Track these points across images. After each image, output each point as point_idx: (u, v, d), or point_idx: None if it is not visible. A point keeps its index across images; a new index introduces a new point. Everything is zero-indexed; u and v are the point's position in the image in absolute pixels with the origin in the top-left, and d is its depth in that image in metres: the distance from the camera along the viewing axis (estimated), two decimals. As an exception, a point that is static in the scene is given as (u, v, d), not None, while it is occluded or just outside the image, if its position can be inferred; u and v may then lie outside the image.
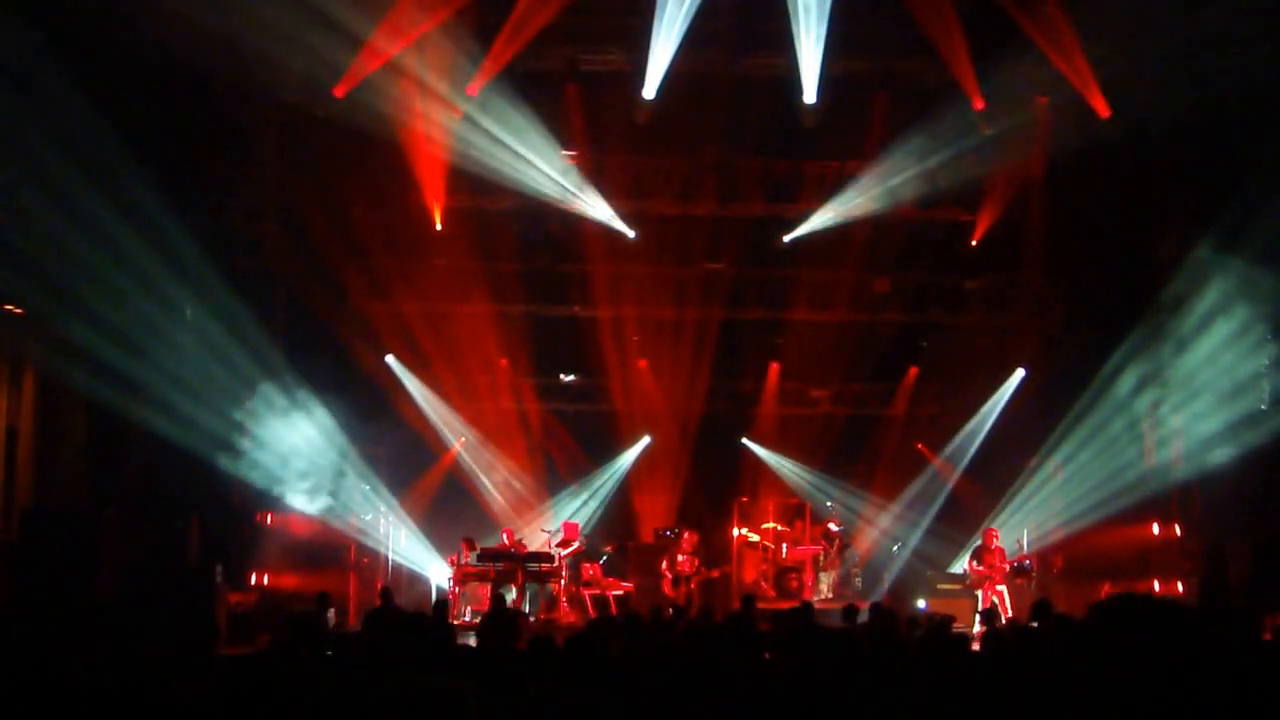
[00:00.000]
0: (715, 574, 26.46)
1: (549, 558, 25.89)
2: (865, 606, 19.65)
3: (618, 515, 29.53)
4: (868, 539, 29.08)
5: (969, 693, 10.65)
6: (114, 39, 19.93)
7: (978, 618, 22.90)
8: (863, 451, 30.18)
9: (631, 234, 27.40)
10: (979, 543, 25.06)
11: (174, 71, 21.09)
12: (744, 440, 30.34)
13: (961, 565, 26.66)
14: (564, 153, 26.50)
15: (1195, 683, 9.33)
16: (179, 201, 22.21)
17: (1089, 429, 26.42)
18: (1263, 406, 23.21)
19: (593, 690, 9.23)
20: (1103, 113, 24.45)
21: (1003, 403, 28.04)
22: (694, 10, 23.85)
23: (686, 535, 26.46)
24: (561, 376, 29.98)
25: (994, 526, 25.59)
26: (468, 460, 28.33)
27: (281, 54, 22.29)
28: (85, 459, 22.45)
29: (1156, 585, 24.87)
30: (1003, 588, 24.36)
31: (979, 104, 24.92)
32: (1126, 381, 25.82)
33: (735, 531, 28.43)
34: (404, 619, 15.62)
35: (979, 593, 24.55)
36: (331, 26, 22.41)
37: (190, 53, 20.96)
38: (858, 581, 27.84)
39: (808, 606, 17.60)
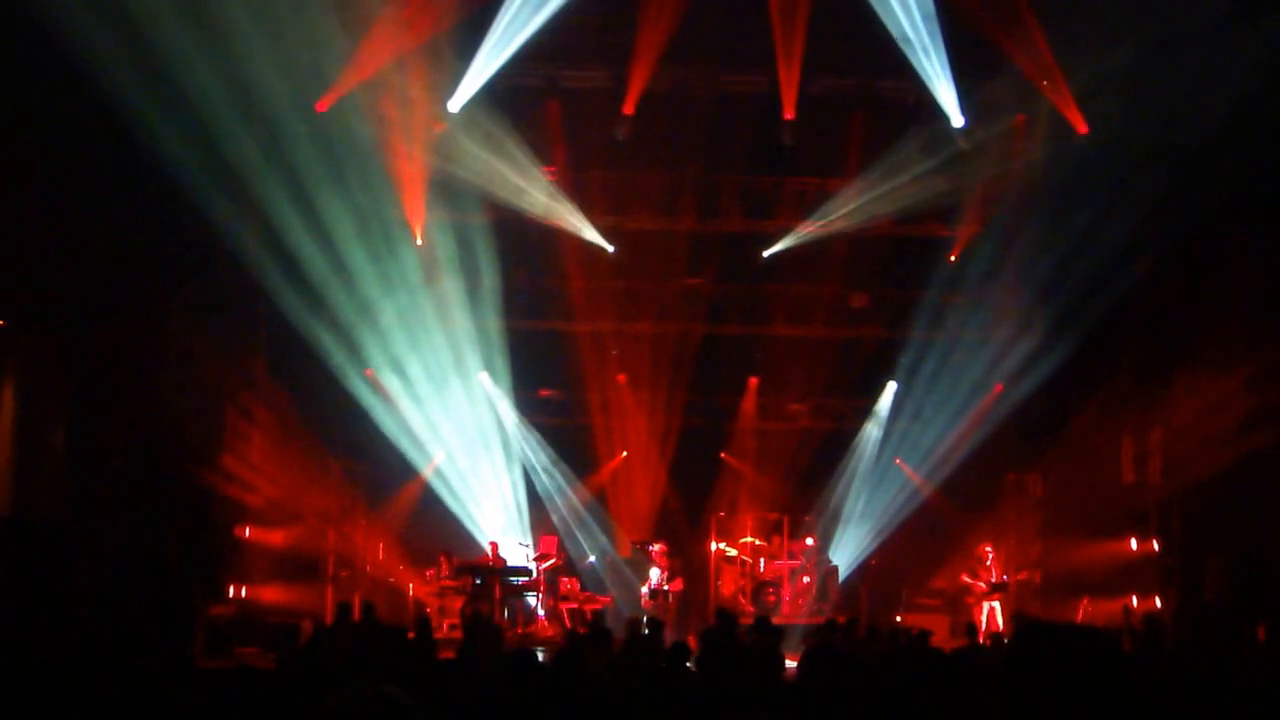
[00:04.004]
0: (672, 587, 26.30)
1: (527, 572, 25.98)
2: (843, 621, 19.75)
3: (596, 529, 29.54)
4: (845, 554, 29.10)
5: (947, 707, 10.71)
6: (92, 47, 19.92)
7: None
8: (840, 466, 30.14)
9: (611, 249, 27.46)
10: (973, 557, 25.08)
11: (157, 86, 21.08)
12: (722, 455, 30.40)
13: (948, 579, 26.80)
14: (544, 168, 26.56)
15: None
16: (161, 213, 22.25)
17: (1067, 444, 26.52)
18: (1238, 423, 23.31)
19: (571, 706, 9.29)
20: (1080, 129, 24.58)
21: (981, 418, 28.07)
22: (674, 28, 23.93)
23: (658, 547, 26.44)
24: (540, 391, 29.95)
25: (987, 543, 25.54)
26: (446, 474, 28.30)
27: (264, 68, 22.29)
28: (65, 471, 22.40)
29: (1134, 600, 24.94)
30: (996, 603, 24.42)
31: (958, 120, 25.01)
32: (1104, 396, 25.93)
33: (713, 546, 28.46)
34: (386, 632, 15.69)
35: (985, 606, 24.59)
36: (314, 41, 22.44)
37: (172, 66, 20.97)
38: (834, 596, 27.90)
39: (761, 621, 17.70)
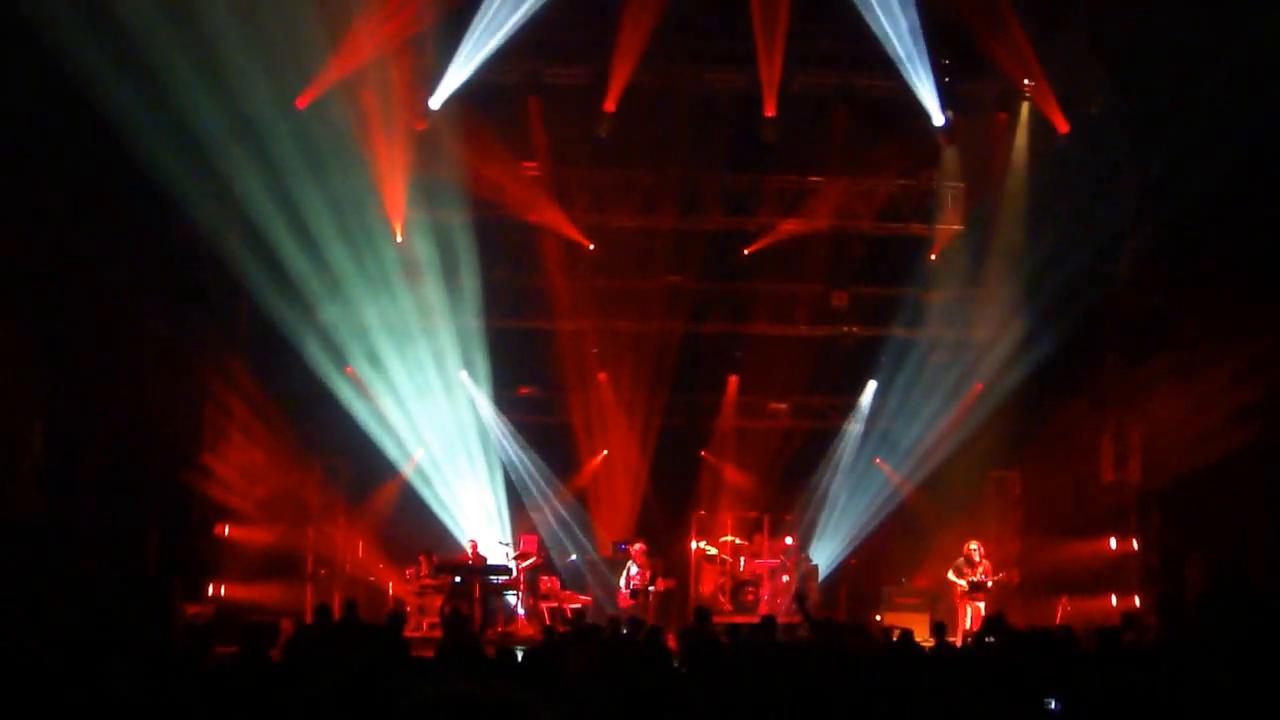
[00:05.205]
0: (660, 586, 26.16)
1: (507, 570, 25.93)
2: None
3: (576, 528, 29.47)
4: (825, 553, 29.07)
5: (927, 705, 10.70)
6: (73, 42, 19.87)
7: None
8: (821, 465, 30.10)
9: (592, 247, 27.41)
10: (960, 557, 24.98)
11: (138, 82, 21.00)
12: (702, 453, 30.35)
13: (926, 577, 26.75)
14: (525, 165, 26.53)
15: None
16: (141, 210, 22.18)
17: (1047, 443, 26.51)
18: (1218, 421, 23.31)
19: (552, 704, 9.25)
20: (1061, 128, 24.67)
21: (961, 417, 28.04)
22: (656, 25, 23.93)
23: (637, 546, 26.34)
24: (521, 389, 29.85)
25: (976, 541, 25.38)
26: (427, 472, 28.22)
27: (244, 63, 22.24)
28: (44, 468, 22.32)
29: (1114, 600, 24.94)
30: (981, 603, 24.36)
31: (938, 118, 25.03)
32: (1084, 395, 25.95)
33: (693, 545, 28.42)
34: (364, 630, 15.64)
35: (969, 606, 24.50)
36: (295, 37, 22.39)
37: (153, 63, 20.93)
38: (813, 595, 27.81)
39: (769, 621, 17.67)
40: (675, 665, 13.02)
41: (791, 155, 26.95)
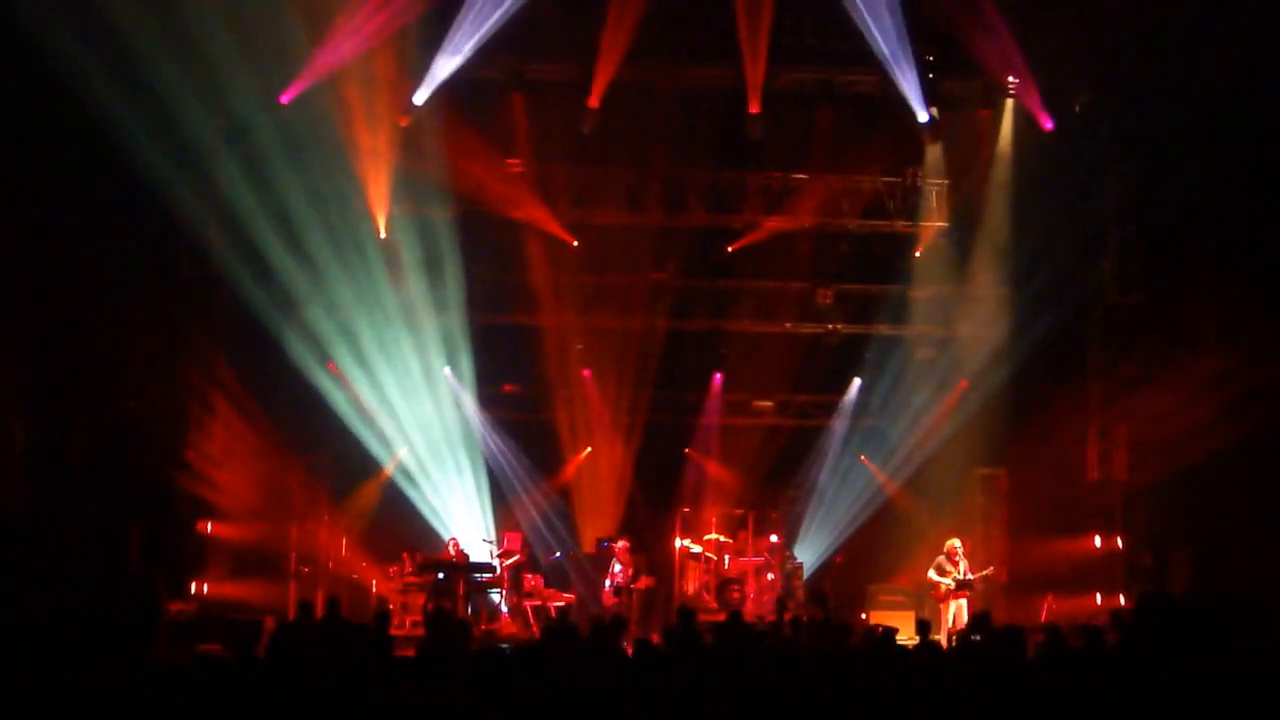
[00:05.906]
0: (642, 584, 26.02)
1: (490, 568, 25.85)
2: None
3: (560, 525, 29.40)
4: (810, 551, 29.03)
5: (911, 704, 10.67)
6: (55, 41, 19.80)
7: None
8: (806, 462, 30.05)
9: (576, 243, 27.36)
10: (941, 555, 24.90)
11: (120, 78, 20.93)
12: (686, 451, 30.27)
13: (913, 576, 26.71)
14: (509, 161, 26.47)
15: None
16: (122, 207, 22.10)
17: (1033, 440, 26.49)
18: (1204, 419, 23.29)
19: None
20: (1045, 125, 24.67)
21: (946, 414, 28.01)
22: (640, 21, 23.89)
23: (621, 544, 26.26)
24: (505, 386, 29.75)
25: (957, 539, 25.28)
26: (410, 469, 28.12)
27: (228, 60, 22.18)
28: (26, 467, 22.23)
29: (1099, 598, 24.91)
30: (963, 600, 24.30)
31: (923, 115, 25.01)
32: (1069, 393, 25.93)
33: (678, 542, 28.34)
34: (347, 628, 15.58)
35: (952, 604, 24.43)
36: (279, 33, 22.34)
37: (135, 59, 20.87)
38: (798, 594, 27.76)
39: (736, 617, 17.65)
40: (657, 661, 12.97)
41: (776, 152, 26.94)
